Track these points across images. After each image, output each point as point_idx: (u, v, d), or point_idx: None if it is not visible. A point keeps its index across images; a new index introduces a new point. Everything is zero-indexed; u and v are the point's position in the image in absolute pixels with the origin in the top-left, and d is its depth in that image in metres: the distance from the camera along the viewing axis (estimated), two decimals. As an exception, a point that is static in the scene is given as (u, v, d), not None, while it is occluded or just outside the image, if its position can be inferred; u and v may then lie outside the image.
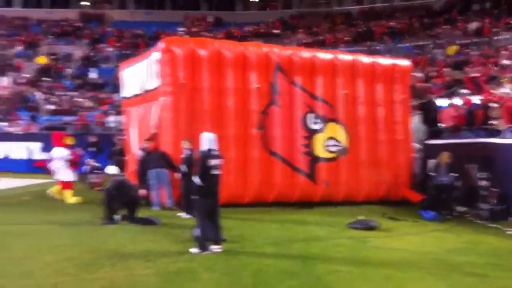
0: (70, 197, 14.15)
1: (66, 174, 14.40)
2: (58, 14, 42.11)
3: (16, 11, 43.55)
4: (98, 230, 10.16)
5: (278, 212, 12.89)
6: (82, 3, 45.29)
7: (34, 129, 24.95)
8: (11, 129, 25.16)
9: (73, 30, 39.19)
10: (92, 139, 21.18)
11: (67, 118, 26.24)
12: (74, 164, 14.82)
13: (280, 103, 13.92)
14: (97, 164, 18.53)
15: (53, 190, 14.76)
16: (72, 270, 7.03)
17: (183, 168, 11.80)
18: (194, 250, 8.21)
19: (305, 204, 13.70)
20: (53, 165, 14.54)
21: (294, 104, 14.10)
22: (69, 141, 15.33)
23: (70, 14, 42.29)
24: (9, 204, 13.85)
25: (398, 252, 8.73)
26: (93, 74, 32.19)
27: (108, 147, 20.05)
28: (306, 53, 14.70)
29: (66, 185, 14.38)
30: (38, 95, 29.01)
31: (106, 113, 26.09)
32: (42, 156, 16.77)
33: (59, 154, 14.54)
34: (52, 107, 27.61)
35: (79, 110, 26.89)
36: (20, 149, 23.41)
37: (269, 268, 7.39)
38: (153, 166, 12.72)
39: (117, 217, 11.01)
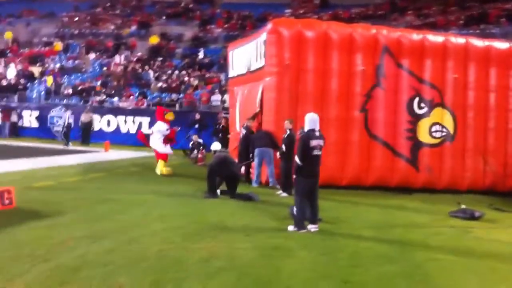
0: (162, 168, 14.93)
1: (161, 146, 15.08)
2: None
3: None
4: (201, 203, 10.59)
5: (376, 196, 12.71)
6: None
7: (144, 104, 26.26)
8: (122, 104, 26.67)
9: (184, 11, 40.43)
10: (197, 116, 21.97)
11: (175, 96, 27.36)
12: (169, 139, 15.42)
13: (385, 86, 13.61)
14: (200, 141, 19.23)
15: (160, 168, 15.43)
16: (176, 239, 7.39)
17: (284, 147, 11.93)
18: (291, 228, 8.33)
19: (405, 190, 13.39)
20: (151, 138, 15.30)
21: (400, 87, 13.72)
22: (169, 116, 15.99)
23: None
24: (119, 174, 14.78)
25: (504, 245, 8.29)
26: (201, 54, 33.13)
27: (212, 124, 20.74)
28: (415, 35, 14.18)
29: (160, 156, 15.13)
30: (149, 73, 30.39)
31: (211, 92, 26.84)
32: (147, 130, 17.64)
33: (158, 128, 15.30)
34: (162, 84, 28.83)
35: (187, 88, 27.87)
36: (130, 123, 24.83)
37: (366, 251, 7.32)
38: (258, 144, 12.94)
39: (218, 191, 11.40)
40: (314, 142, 8.30)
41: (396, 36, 13.94)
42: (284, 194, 11.93)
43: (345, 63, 13.45)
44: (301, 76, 13.24)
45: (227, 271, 6.00)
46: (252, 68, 14.60)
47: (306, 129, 8.51)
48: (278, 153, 12.34)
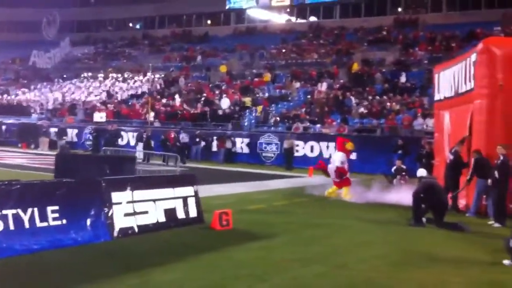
0: (346, 194, 15.00)
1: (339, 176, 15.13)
2: (374, 22, 43.91)
3: (334, 21, 47.10)
4: (406, 231, 10.40)
5: None
6: (398, 9, 46.09)
7: (345, 131, 26.61)
8: (325, 131, 27.37)
9: (386, 36, 40.28)
10: (400, 142, 21.58)
11: (376, 121, 27.27)
12: (340, 174, 15.27)
13: None
14: (403, 166, 18.84)
15: (329, 191, 15.43)
16: (384, 267, 7.38)
17: (497, 174, 11.14)
18: (507, 262, 7.74)
19: None
20: (329, 167, 15.42)
21: None
22: (349, 146, 15.96)
23: (385, 21, 43.55)
24: (322, 199, 15.08)
25: None
26: (402, 78, 32.61)
27: (415, 150, 20.19)
28: None
29: (341, 183, 15.20)
30: (351, 99, 30.78)
31: (414, 116, 26.18)
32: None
33: (337, 158, 15.47)
34: (363, 110, 28.98)
35: (388, 113, 27.60)
36: (332, 149, 25.21)
37: None
38: (483, 175, 11.93)
39: (423, 219, 11.06)
40: (534, 170, 7.67)
41: None
42: (497, 225, 11.10)
43: None
44: (516, 97, 12.31)
45: (438, 304, 5.83)
46: (461, 91, 13.99)
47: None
48: (489, 180, 11.56)
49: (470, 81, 13.17)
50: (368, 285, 6.45)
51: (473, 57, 13.03)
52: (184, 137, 26.86)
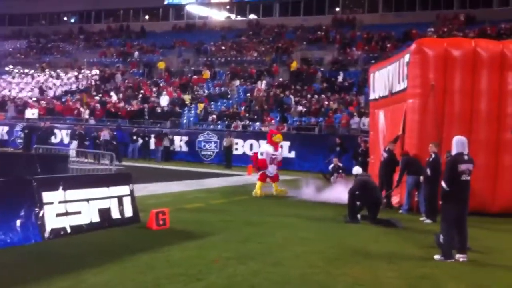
0: (258, 189, 15.15)
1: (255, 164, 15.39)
2: (313, 21, 44.43)
3: (274, 19, 47.39)
4: (342, 228, 10.58)
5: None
6: (336, 8, 46.80)
7: (284, 129, 26.82)
8: (263, 128, 27.51)
9: (325, 35, 40.88)
10: (337, 140, 21.96)
11: (314, 120, 27.65)
12: (258, 168, 15.62)
13: (542, 105, 12.61)
14: (340, 164, 19.18)
15: (276, 190, 15.57)
16: (319, 263, 7.44)
17: (429, 171, 11.50)
18: (437, 257, 7.98)
19: None
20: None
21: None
22: (276, 138, 16.02)
23: (324, 20, 44.14)
24: (261, 197, 15.13)
25: None
26: (340, 77, 33.22)
27: (352, 148, 20.61)
28: None
29: (260, 177, 15.35)
30: (290, 98, 31.07)
31: (351, 115, 26.73)
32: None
33: (263, 149, 15.69)
34: (302, 108, 29.31)
35: (327, 112, 28.04)
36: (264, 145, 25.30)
37: (524, 286, 6.81)
38: (413, 172, 12.39)
39: (358, 216, 11.28)
40: (463, 167, 7.93)
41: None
42: (428, 221, 11.46)
43: (496, 82, 12.75)
44: (447, 97, 12.76)
45: (371, 299, 5.92)
46: (394, 90, 14.34)
47: (453, 153, 8.16)
48: (421, 177, 11.92)
49: (403, 80, 13.52)
50: (303, 281, 6.48)
51: (407, 57, 13.38)
52: (105, 135, 25.98)
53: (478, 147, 11.98)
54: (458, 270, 7.39)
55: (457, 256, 7.93)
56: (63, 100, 37.27)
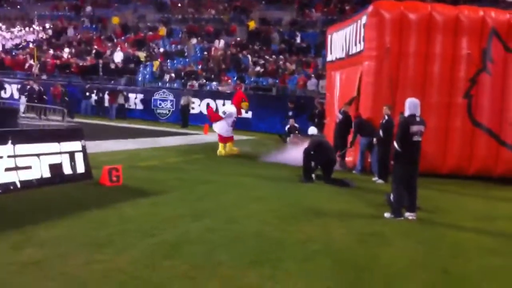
0: (221, 150, 15.28)
1: (224, 130, 15.30)
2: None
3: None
4: (296, 187, 10.70)
5: (479, 186, 12.23)
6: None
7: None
8: (220, 88, 27.30)
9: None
10: (289, 104, 22.03)
11: (272, 80, 27.59)
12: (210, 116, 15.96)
13: (492, 71, 12.94)
14: (296, 125, 19.33)
15: (227, 150, 15.59)
16: (273, 221, 7.53)
17: (382, 133, 11.71)
18: (387, 215, 8.22)
19: (510, 180, 12.75)
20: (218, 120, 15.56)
21: (508, 72, 12.99)
22: (244, 106, 16.23)
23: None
24: (217, 156, 15.14)
25: None
26: (298, 39, 33.06)
27: (308, 109, 20.75)
28: (528, 17, 13.31)
29: (222, 139, 15.38)
30: (248, 58, 30.82)
31: (308, 77, 26.78)
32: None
33: (228, 110, 15.62)
34: (259, 69, 29.15)
35: (284, 73, 27.99)
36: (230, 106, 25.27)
37: (467, 242, 7.09)
38: (366, 134, 12.62)
39: (313, 176, 11.43)
40: (414, 128, 8.10)
41: (506, 18, 13.16)
42: (380, 181, 11.76)
43: (450, 47, 12.94)
44: (402, 60, 12.90)
45: (323, 255, 6.05)
46: (351, 52, 14.40)
47: (406, 114, 8.31)
48: (374, 139, 12.13)
49: (360, 43, 13.56)
50: (257, 237, 6.55)
51: (364, 19, 13.39)
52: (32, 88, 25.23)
53: (430, 110, 12.26)
54: (407, 228, 7.63)
55: (406, 214, 8.19)
56: (13, 54, 35.85)
